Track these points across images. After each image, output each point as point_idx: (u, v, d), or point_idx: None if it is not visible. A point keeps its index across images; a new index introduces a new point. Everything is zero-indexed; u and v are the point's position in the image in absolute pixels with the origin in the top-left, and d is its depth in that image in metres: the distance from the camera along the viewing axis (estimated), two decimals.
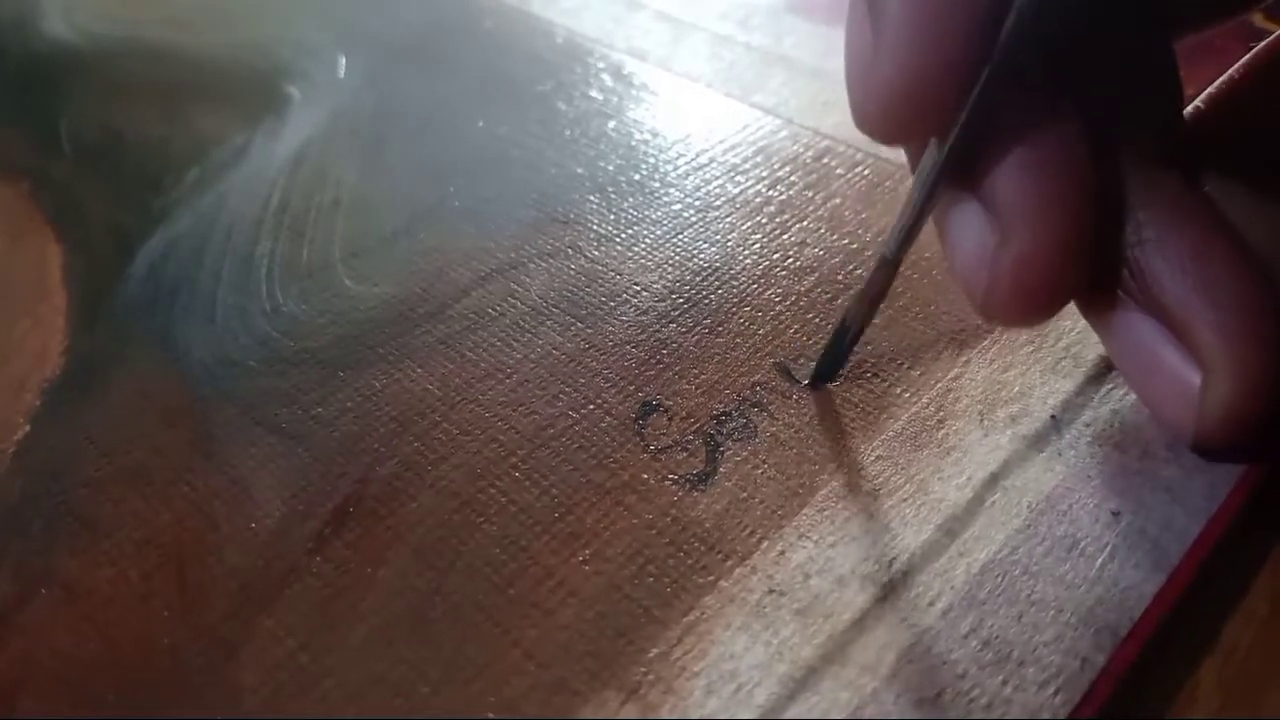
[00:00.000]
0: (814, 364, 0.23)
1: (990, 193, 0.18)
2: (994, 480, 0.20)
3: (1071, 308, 0.19)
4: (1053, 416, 0.22)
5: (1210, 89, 0.21)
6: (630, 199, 0.28)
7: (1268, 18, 0.33)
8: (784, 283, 0.25)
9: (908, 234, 0.20)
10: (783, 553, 0.19)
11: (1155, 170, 0.18)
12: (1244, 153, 0.20)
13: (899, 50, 0.17)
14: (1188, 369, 0.17)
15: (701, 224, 0.27)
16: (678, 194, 0.28)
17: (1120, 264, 0.18)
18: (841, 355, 0.22)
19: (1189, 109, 0.20)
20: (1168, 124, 0.19)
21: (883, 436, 0.21)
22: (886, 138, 0.19)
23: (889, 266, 0.21)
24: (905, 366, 0.23)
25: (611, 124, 0.31)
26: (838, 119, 0.30)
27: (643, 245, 0.26)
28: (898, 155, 0.29)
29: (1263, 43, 0.21)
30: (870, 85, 0.18)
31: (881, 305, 0.22)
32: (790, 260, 0.26)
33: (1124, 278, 0.18)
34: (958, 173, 0.18)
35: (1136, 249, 0.18)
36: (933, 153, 0.18)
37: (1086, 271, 0.18)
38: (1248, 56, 0.21)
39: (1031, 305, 0.18)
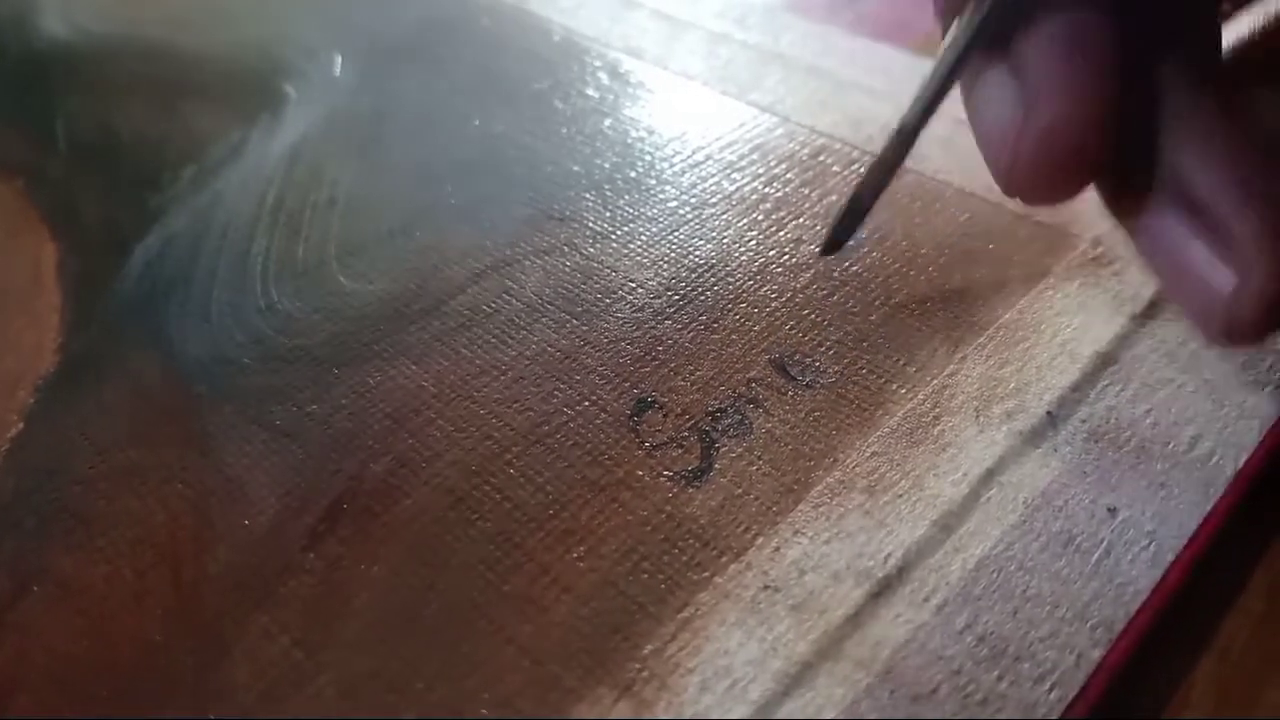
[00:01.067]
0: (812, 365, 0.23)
1: (1020, 64, 0.18)
2: (990, 476, 0.20)
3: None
4: (1049, 413, 0.21)
5: (1245, 27, 0.21)
6: (626, 196, 0.28)
7: None
8: (779, 279, 0.25)
9: (931, 102, 0.20)
10: (778, 549, 0.19)
11: (1195, 77, 0.18)
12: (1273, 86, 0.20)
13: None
14: (1216, 265, 0.18)
15: (697, 221, 0.27)
16: (674, 191, 0.28)
17: (1155, 164, 0.18)
18: (853, 224, 0.23)
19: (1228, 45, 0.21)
20: (1208, 38, 0.19)
21: (878, 432, 0.21)
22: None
23: (908, 135, 0.21)
24: (901, 363, 0.23)
25: (608, 122, 0.31)
26: (834, 117, 0.30)
27: (638, 242, 0.26)
28: None
29: None
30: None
31: (895, 174, 0.22)
32: (786, 257, 0.26)
33: (1158, 177, 0.18)
34: (988, 43, 0.19)
35: (1173, 148, 0.18)
36: (965, 20, 0.19)
37: (1110, 153, 0.18)
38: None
39: (1054, 178, 0.18)
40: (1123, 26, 0.18)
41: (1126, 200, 0.19)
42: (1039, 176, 0.18)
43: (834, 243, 0.24)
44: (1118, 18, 0.18)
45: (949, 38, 0.19)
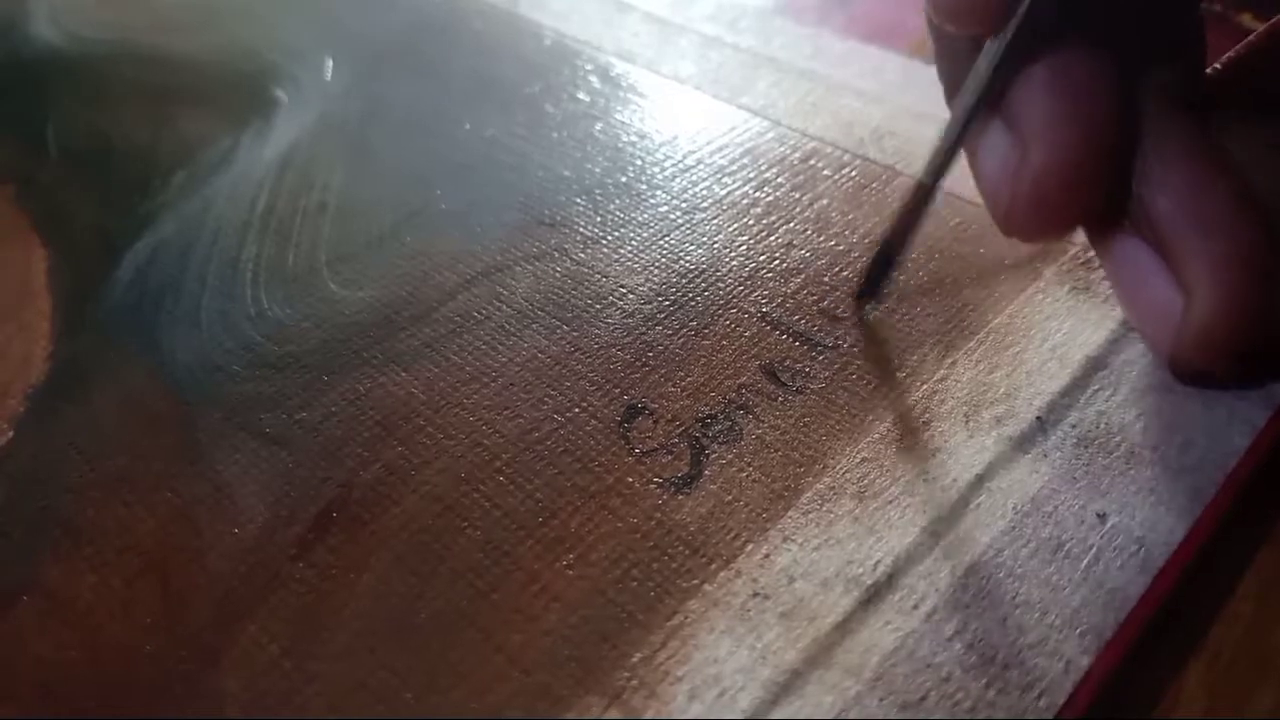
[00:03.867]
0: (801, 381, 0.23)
1: (1015, 113, 0.19)
2: (979, 482, 0.20)
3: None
4: (1038, 418, 0.21)
5: (1229, 53, 0.21)
6: (617, 201, 0.28)
7: (1257, 17, 0.33)
8: (770, 285, 0.25)
9: (945, 159, 0.21)
10: (767, 556, 0.19)
11: (1168, 109, 0.19)
12: (1258, 108, 0.20)
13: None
14: (1174, 293, 0.18)
15: (688, 226, 0.27)
16: (665, 196, 0.28)
17: (1126, 192, 0.19)
18: (883, 276, 0.24)
19: (1209, 69, 0.21)
20: (1187, 70, 0.20)
21: (868, 439, 0.21)
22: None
23: (924, 191, 0.22)
24: (891, 368, 0.23)
25: (599, 126, 0.31)
26: (825, 120, 0.30)
27: (629, 248, 0.26)
28: (885, 156, 0.29)
29: None
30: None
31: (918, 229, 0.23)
32: (777, 262, 0.26)
33: (1128, 206, 0.19)
34: (990, 100, 0.20)
35: (1142, 180, 0.18)
36: (972, 82, 0.20)
37: (1102, 191, 0.19)
38: (1269, 23, 0.21)
39: (1049, 219, 0.19)
40: (1109, 58, 0.19)
41: (1100, 224, 0.20)
42: (1034, 219, 0.19)
43: (865, 294, 0.24)
44: (1103, 51, 0.19)
45: (959, 98, 0.20)
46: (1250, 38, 0.21)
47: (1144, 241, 0.19)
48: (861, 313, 0.24)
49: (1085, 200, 0.19)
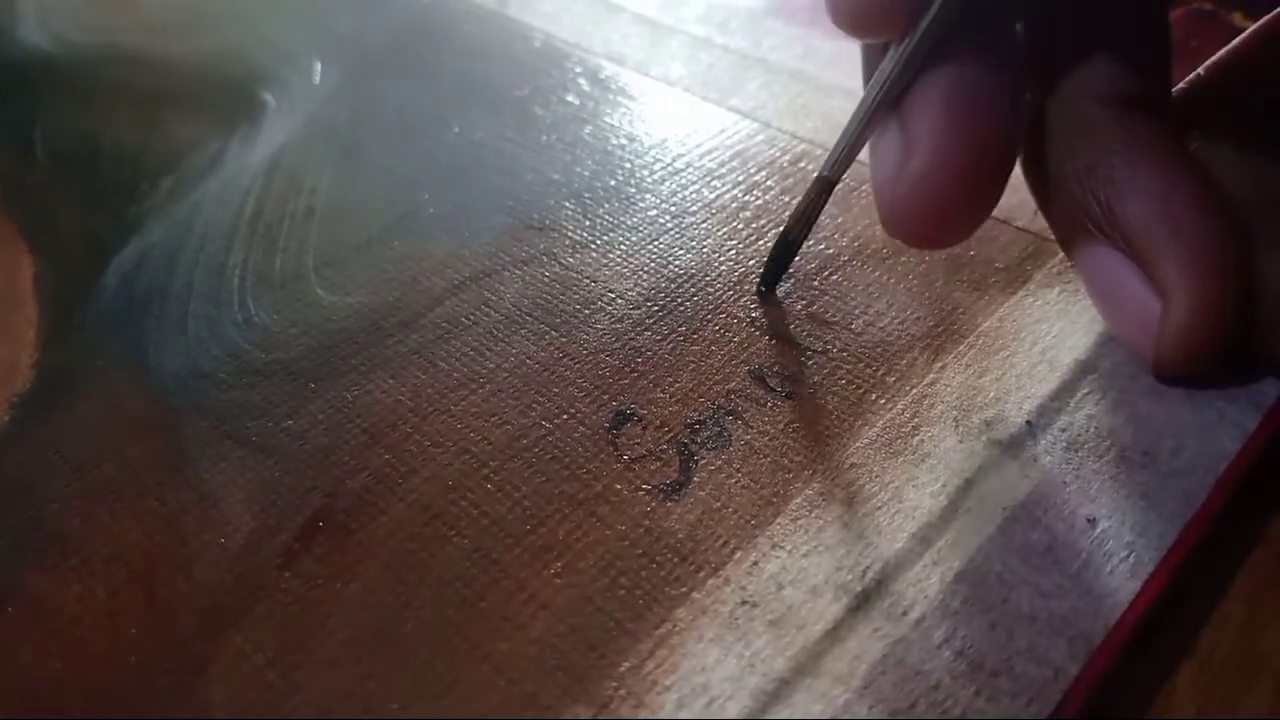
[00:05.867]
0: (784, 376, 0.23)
1: (907, 116, 0.19)
2: (969, 487, 0.20)
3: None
4: (1028, 422, 0.21)
5: (1214, 57, 0.21)
6: (606, 205, 0.28)
7: (1247, 16, 0.33)
8: (759, 290, 0.25)
9: (846, 154, 0.22)
10: (756, 563, 0.19)
11: (1132, 113, 0.19)
12: (1237, 113, 0.21)
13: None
14: (1150, 297, 0.18)
15: (677, 230, 0.27)
16: (653, 199, 0.28)
17: (1093, 199, 0.19)
18: (782, 266, 0.25)
19: (1192, 75, 0.21)
20: (1152, 73, 0.20)
21: (857, 443, 0.21)
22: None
23: (825, 184, 0.23)
24: (880, 373, 0.23)
25: (588, 129, 0.31)
26: (815, 122, 0.30)
27: (618, 252, 0.26)
28: None
29: (1271, 14, 0.21)
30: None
31: (816, 223, 0.24)
32: None
33: (1094, 213, 0.19)
34: (891, 101, 0.20)
35: (1108, 184, 0.18)
36: (875, 82, 0.20)
37: (980, 204, 0.19)
38: (1254, 25, 0.21)
39: (924, 224, 0.19)
40: (1013, 78, 0.19)
41: (1069, 232, 0.20)
42: (910, 222, 0.19)
43: (767, 283, 0.25)
44: (1008, 70, 0.19)
45: (863, 98, 0.21)
46: (1235, 41, 0.21)
47: (1115, 248, 0.19)
48: (771, 296, 0.25)
49: (965, 210, 0.19)
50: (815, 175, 0.23)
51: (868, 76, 0.21)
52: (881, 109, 0.20)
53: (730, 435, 0.22)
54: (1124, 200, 0.18)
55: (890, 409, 0.22)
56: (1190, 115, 0.20)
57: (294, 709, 0.18)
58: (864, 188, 0.28)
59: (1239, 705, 0.18)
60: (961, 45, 0.19)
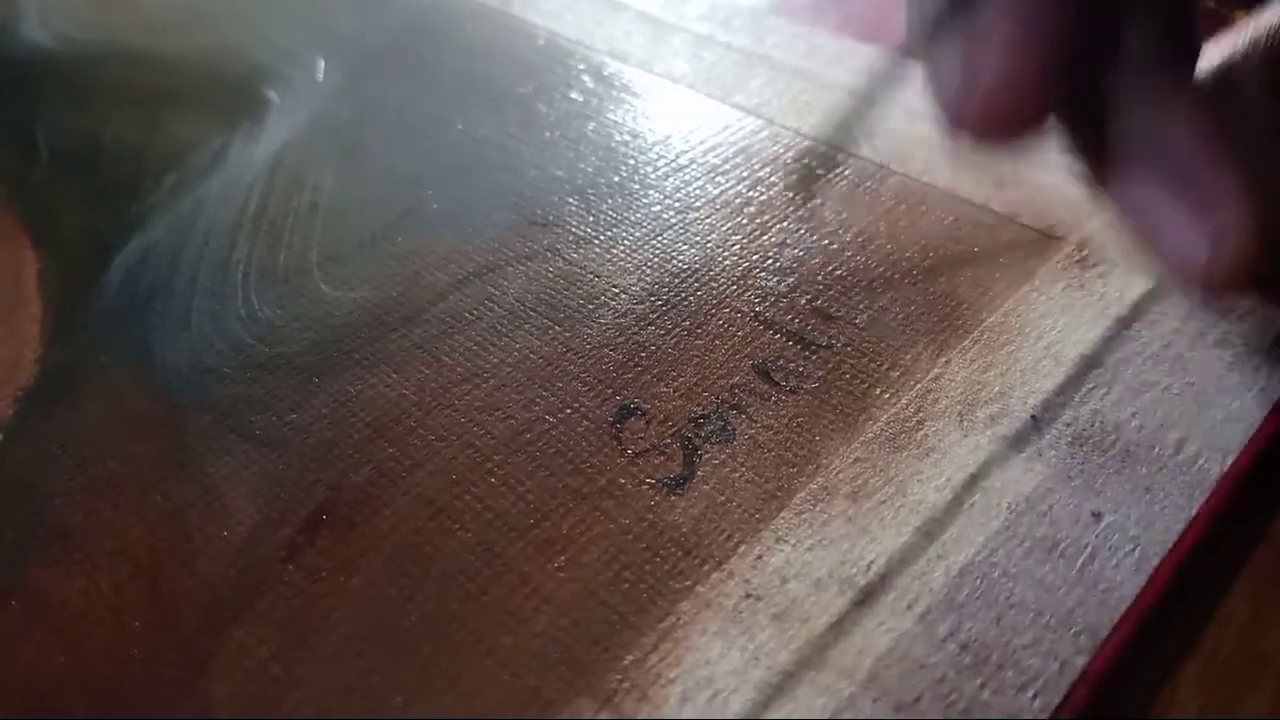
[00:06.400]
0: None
1: (971, 26, 0.19)
2: (973, 481, 0.20)
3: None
4: (1033, 417, 0.21)
5: (1242, 35, 0.22)
6: (610, 201, 0.28)
7: (1249, 15, 0.33)
8: (763, 284, 0.25)
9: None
10: (760, 557, 0.19)
11: (1166, 40, 0.19)
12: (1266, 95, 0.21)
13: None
14: (1193, 218, 0.18)
15: (681, 225, 0.27)
16: (657, 195, 0.28)
17: (1131, 127, 0.19)
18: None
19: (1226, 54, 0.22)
20: (1187, 36, 0.20)
21: (861, 438, 0.21)
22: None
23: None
24: (884, 367, 0.23)
25: (591, 126, 0.31)
26: (818, 119, 0.30)
27: (622, 247, 0.26)
28: (878, 154, 0.29)
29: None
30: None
31: None
32: (770, 261, 0.26)
33: (1134, 140, 0.19)
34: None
35: (1146, 109, 0.19)
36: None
37: (1051, 97, 0.19)
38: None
39: (994, 127, 0.19)
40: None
41: (1103, 165, 0.20)
42: (985, 116, 0.19)
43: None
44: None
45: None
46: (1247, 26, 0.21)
47: (1158, 177, 0.19)
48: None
49: (1034, 113, 0.19)
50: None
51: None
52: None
53: (734, 429, 0.22)
54: (1167, 126, 0.19)
55: (895, 404, 0.22)
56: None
57: (297, 703, 0.18)
58: (867, 183, 0.28)
59: (1242, 703, 0.18)
60: None
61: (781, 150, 0.29)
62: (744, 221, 0.27)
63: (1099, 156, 0.20)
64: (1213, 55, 0.22)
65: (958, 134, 0.20)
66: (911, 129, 0.29)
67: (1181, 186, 0.19)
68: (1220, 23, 0.33)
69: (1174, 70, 0.19)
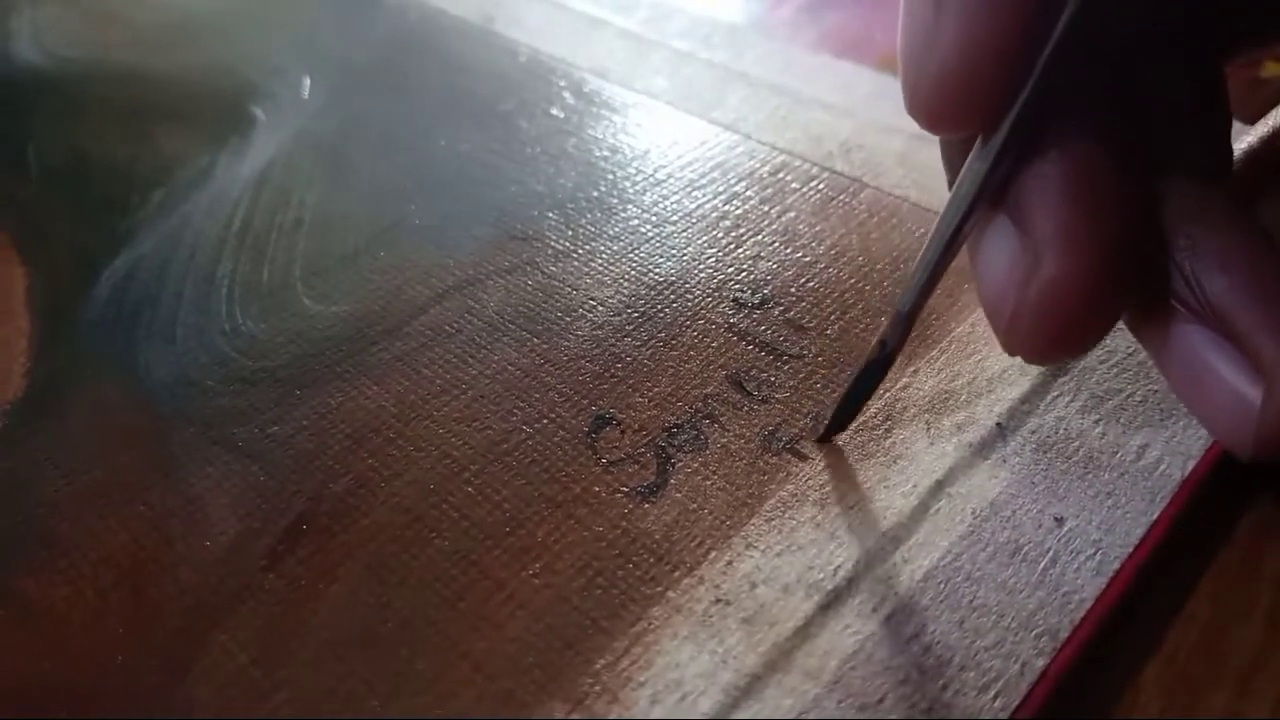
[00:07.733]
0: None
1: (1026, 214, 0.17)
2: (939, 488, 0.21)
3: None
4: (998, 424, 0.22)
5: (1264, 124, 0.21)
6: (588, 215, 0.28)
7: (1278, 61, 0.33)
8: (738, 296, 0.25)
9: (927, 282, 0.19)
10: (730, 562, 0.20)
11: (1205, 184, 0.18)
12: None
13: (960, 22, 0.16)
14: (1242, 376, 0.17)
15: (658, 239, 0.27)
16: (635, 210, 0.28)
17: (1171, 275, 0.18)
18: (853, 411, 0.22)
19: (1245, 146, 0.20)
20: (1216, 141, 0.19)
21: (831, 446, 0.22)
22: (936, 119, 0.18)
23: (904, 321, 0.20)
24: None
25: (572, 141, 0.32)
26: (795, 134, 0.31)
27: (600, 260, 0.27)
28: (853, 169, 0.29)
29: None
30: (927, 61, 0.17)
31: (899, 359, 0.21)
32: (744, 274, 0.26)
33: (1176, 289, 0.18)
34: (992, 196, 0.18)
35: (1190, 256, 0.17)
36: (967, 180, 0.18)
37: (1121, 302, 0.18)
38: None
39: (1059, 335, 0.18)
40: (1127, 150, 0.17)
41: (1146, 311, 0.19)
42: (1041, 334, 0.18)
43: (834, 429, 0.22)
44: (1118, 140, 0.17)
45: (953, 194, 0.18)
46: None
47: (1198, 323, 0.18)
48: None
49: (1104, 312, 0.18)
50: (893, 312, 0.20)
51: (952, 179, 0.19)
52: (979, 210, 0.18)
53: (707, 438, 0.22)
54: (1211, 274, 0.17)
55: (863, 412, 0.22)
56: (1248, 186, 0.19)
57: (277, 706, 0.18)
58: (840, 197, 0.28)
59: (1202, 703, 0.18)
60: (1062, 124, 0.17)
61: (758, 165, 0.30)
62: (719, 235, 0.27)
63: (1141, 297, 0.19)
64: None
65: (1009, 338, 0.18)
66: (885, 144, 0.30)
67: (1227, 335, 0.17)
68: (1246, 71, 0.34)
69: (1211, 199, 0.18)
